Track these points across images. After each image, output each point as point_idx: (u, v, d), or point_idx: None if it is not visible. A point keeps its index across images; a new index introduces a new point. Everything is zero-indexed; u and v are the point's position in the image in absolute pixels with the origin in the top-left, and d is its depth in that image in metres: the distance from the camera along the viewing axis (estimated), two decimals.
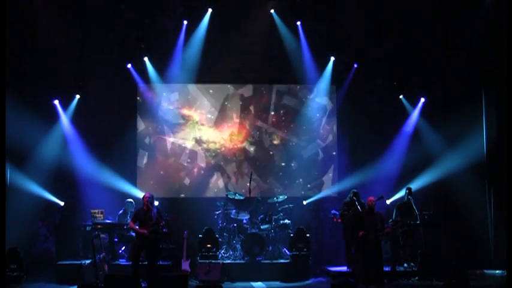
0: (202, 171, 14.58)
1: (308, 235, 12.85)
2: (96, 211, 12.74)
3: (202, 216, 13.55)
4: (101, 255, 11.47)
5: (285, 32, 14.23)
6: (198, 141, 14.63)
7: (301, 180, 14.66)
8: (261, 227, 12.94)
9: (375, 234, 10.87)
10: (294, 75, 14.48)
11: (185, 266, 12.22)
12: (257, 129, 14.73)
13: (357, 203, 11.97)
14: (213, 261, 12.20)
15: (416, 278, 12.07)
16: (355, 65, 14.43)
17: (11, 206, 12.33)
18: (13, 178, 13.11)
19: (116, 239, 12.76)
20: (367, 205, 11.25)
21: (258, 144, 14.70)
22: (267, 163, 14.69)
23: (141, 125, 14.55)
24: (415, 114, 14.43)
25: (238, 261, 12.59)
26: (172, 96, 14.69)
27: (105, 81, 14.09)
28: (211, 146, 14.64)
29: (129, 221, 12.22)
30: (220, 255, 12.60)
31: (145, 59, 14.15)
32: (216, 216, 13.31)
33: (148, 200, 11.12)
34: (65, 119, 13.86)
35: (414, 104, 14.44)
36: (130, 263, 11.57)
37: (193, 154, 14.59)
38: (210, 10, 13.95)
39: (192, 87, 14.71)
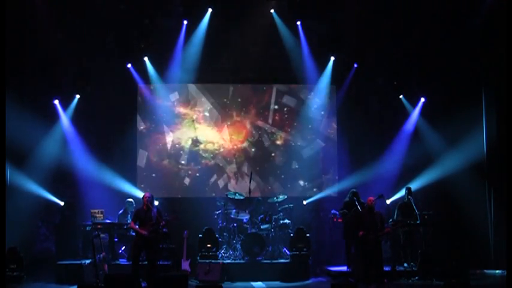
0: (202, 171, 14.58)
1: (308, 235, 12.84)
2: (96, 211, 12.73)
3: (202, 216, 13.54)
4: (101, 255, 11.47)
5: (285, 32, 14.23)
6: (198, 141, 14.63)
7: (301, 180, 14.66)
8: (261, 227, 12.94)
9: (375, 234, 10.86)
10: (294, 75, 14.48)
11: (185, 266, 12.22)
12: (257, 129, 14.73)
13: (356, 203, 11.97)
14: (213, 261, 12.20)
15: (416, 278, 12.07)
16: (355, 65, 14.44)
17: (11, 206, 12.32)
18: (13, 178, 13.11)
19: (116, 239, 12.76)
20: (367, 205, 11.25)
21: (258, 144, 14.71)
22: (267, 163, 14.69)
23: (141, 125, 14.55)
24: (415, 114, 14.44)
25: (238, 261, 12.59)
26: (172, 96, 14.69)
27: (105, 81, 14.10)
28: (211, 145, 14.64)
29: (129, 220, 12.24)
30: (220, 255, 12.60)
31: (145, 59, 14.16)
32: (216, 216, 13.31)
33: (148, 200, 11.11)
34: (65, 119, 13.87)
35: (414, 104, 14.45)
36: (130, 263, 11.57)
37: (193, 154, 14.59)
38: (210, 10, 13.96)
39: (192, 87, 14.71)
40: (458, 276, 11.33)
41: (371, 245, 10.87)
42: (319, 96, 14.80)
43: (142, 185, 14.22)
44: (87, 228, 12.67)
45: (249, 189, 13.40)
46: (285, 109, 14.82)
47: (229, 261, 12.53)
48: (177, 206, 13.90)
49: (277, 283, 12.18)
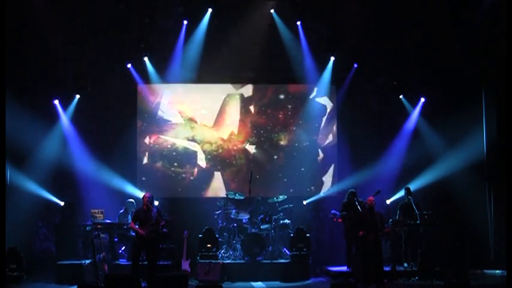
0: (202, 171, 14.58)
1: (308, 235, 12.85)
2: (96, 211, 12.73)
3: (202, 216, 13.54)
4: (101, 255, 11.47)
5: (285, 32, 14.23)
6: (198, 141, 14.63)
7: (301, 180, 14.66)
8: (261, 227, 12.93)
9: (375, 234, 10.86)
10: (294, 75, 14.48)
11: (185, 266, 12.23)
12: (257, 129, 14.73)
13: (356, 203, 11.96)
14: (213, 261, 12.19)
15: (416, 278, 12.08)
16: (355, 65, 14.43)
17: (11, 206, 12.31)
18: (13, 178, 13.12)
19: (116, 239, 12.76)
20: (367, 205, 11.24)
21: (258, 144, 14.71)
22: (267, 163, 14.69)
23: (141, 125, 14.55)
24: (415, 114, 14.43)
25: (238, 261, 12.59)
26: (172, 96, 14.69)
27: (105, 81, 14.11)
28: (211, 145, 14.64)
29: (129, 220, 12.23)
30: (220, 255, 12.60)
31: (145, 59, 14.15)
32: (216, 216, 13.31)
33: (148, 200, 11.12)
34: (65, 119, 13.87)
35: (414, 104, 14.44)
36: (130, 263, 11.57)
37: (193, 154, 14.59)
38: (210, 10, 13.95)
39: (192, 87, 14.71)
40: (458, 276, 11.33)
41: (371, 245, 10.87)
42: (319, 96, 14.80)
43: (142, 185, 14.20)
44: (87, 228, 12.65)
45: (249, 189, 13.38)
46: (285, 109, 14.81)
47: (229, 261, 12.53)
48: (177, 206, 13.90)
49: (277, 283, 12.18)
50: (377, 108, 14.65)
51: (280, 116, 14.79)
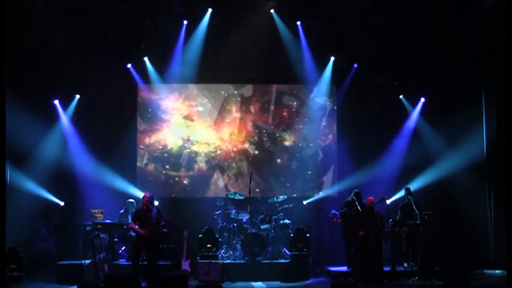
0: (202, 171, 14.58)
1: (308, 235, 12.85)
2: (96, 211, 12.72)
3: (202, 216, 13.54)
4: (101, 255, 11.47)
5: (285, 32, 14.23)
6: (198, 141, 14.62)
7: (301, 180, 14.66)
8: (261, 227, 12.94)
9: (375, 234, 10.87)
10: (294, 75, 14.47)
11: (185, 266, 12.23)
12: (257, 129, 14.73)
13: (357, 203, 11.97)
14: (213, 261, 12.20)
15: (416, 278, 12.07)
16: (355, 65, 14.44)
17: (11, 206, 12.31)
18: (13, 178, 13.12)
19: (116, 239, 12.76)
20: (367, 205, 11.25)
21: (258, 144, 14.71)
22: (267, 163, 14.69)
23: (141, 125, 14.55)
24: (415, 114, 14.44)
25: (238, 261, 12.59)
26: (172, 96, 14.69)
27: (105, 81, 14.11)
28: (211, 145, 14.64)
29: (130, 221, 12.23)
30: (220, 255, 12.60)
31: (145, 59, 14.16)
32: (216, 216, 13.31)
33: (148, 200, 11.13)
34: (65, 119, 13.87)
35: (414, 104, 14.45)
36: (130, 263, 11.58)
37: (193, 154, 14.59)
38: (210, 10, 13.95)
39: (192, 87, 14.72)
40: (458, 276, 11.33)
41: (371, 245, 10.88)
42: (319, 96, 14.80)
43: (142, 185, 14.19)
44: (87, 228, 12.65)
45: (249, 189, 13.39)
46: (285, 109, 14.82)
47: (229, 261, 12.53)
48: (177, 206, 13.90)
49: (277, 283, 12.18)
50: (377, 108, 14.66)
51: (280, 116, 14.79)
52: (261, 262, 12.56)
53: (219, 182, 14.58)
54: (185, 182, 14.54)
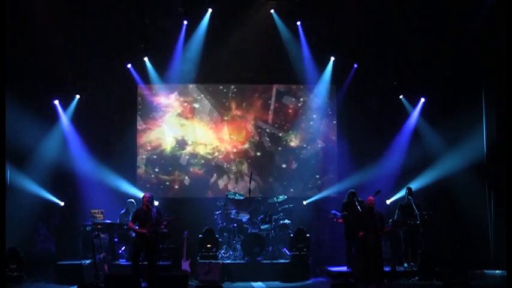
0: (202, 171, 14.58)
1: (308, 235, 12.84)
2: (96, 211, 12.74)
3: (202, 216, 13.54)
4: (101, 255, 11.46)
5: (285, 32, 14.24)
6: (198, 141, 14.62)
7: (301, 180, 14.66)
8: (261, 227, 12.93)
9: (375, 234, 10.86)
10: (294, 75, 14.48)
11: (185, 266, 12.22)
12: (257, 129, 14.73)
13: (357, 203, 11.96)
14: (213, 261, 12.19)
15: (416, 278, 12.07)
16: (355, 65, 14.44)
17: (11, 206, 12.30)
18: (13, 178, 13.11)
19: (116, 239, 12.76)
20: (367, 205, 11.23)
21: (258, 144, 14.71)
22: (267, 163, 14.69)
23: (141, 125, 14.55)
24: (415, 114, 14.44)
25: (238, 261, 12.59)
26: (172, 96, 14.69)
27: (105, 81, 14.11)
28: (211, 146, 14.63)
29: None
30: (220, 255, 12.60)
31: (146, 59, 14.16)
32: (216, 216, 13.31)
33: (148, 200, 11.12)
34: (65, 119, 13.87)
35: (414, 104, 14.45)
36: (130, 263, 11.57)
37: (193, 154, 14.59)
38: (210, 10, 13.96)
39: (192, 87, 14.72)
40: (458, 276, 11.32)
41: (371, 245, 10.87)
42: (319, 96, 14.80)
43: (142, 185, 14.21)
44: (87, 228, 12.66)
45: (249, 189, 13.39)
46: (285, 109, 14.82)
47: (229, 261, 12.53)
48: (177, 206, 13.89)
49: (277, 283, 12.18)
50: (377, 108, 14.66)
51: (280, 116, 14.79)
52: (261, 262, 12.56)
53: (219, 182, 14.58)
54: (185, 182, 14.53)
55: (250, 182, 13.47)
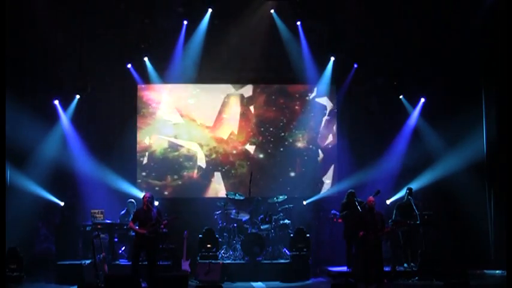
0: (202, 171, 14.58)
1: (308, 235, 12.84)
2: (96, 211, 12.73)
3: (202, 216, 13.54)
4: (101, 255, 11.46)
5: (285, 32, 14.23)
6: (198, 141, 14.62)
7: (301, 180, 14.65)
8: (261, 227, 12.93)
9: (375, 234, 10.86)
10: (294, 75, 14.47)
11: (185, 266, 12.22)
12: (257, 129, 14.73)
13: (356, 203, 11.96)
14: (213, 261, 12.18)
15: (416, 278, 12.06)
16: (355, 65, 14.44)
17: (11, 206, 12.29)
18: (13, 178, 13.11)
19: (116, 239, 12.75)
20: (367, 205, 11.24)
21: (258, 144, 14.70)
22: (267, 163, 14.69)
23: (141, 125, 14.55)
24: (415, 114, 14.43)
25: (238, 261, 12.58)
26: (172, 96, 14.68)
27: (105, 81, 14.11)
28: (211, 146, 14.63)
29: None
30: (220, 255, 12.60)
31: (146, 59, 14.16)
32: (216, 216, 13.31)
33: (148, 200, 11.11)
34: (65, 119, 13.86)
35: (414, 104, 14.44)
36: (130, 263, 11.57)
37: (193, 154, 14.58)
38: (210, 10, 13.96)
39: (192, 87, 14.71)
40: (458, 276, 11.31)
41: (371, 245, 10.87)
42: (319, 97, 14.80)
43: (142, 185, 14.21)
44: (87, 228, 12.66)
45: (249, 189, 13.39)
46: (285, 109, 14.81)
47: (229, 261, 12.53)
48: (177, 206, 13.88)
49: (277, 283, 12.17)
50: (377, 108, 14.66)
51: (280, 116, 14.78)
52: (261, 262, 12.56)
53: (219, 182, 14.57)
54: (185, 182, 14.53)
55: (250, 182, 13.47)
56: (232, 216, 13.10)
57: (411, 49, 14.20)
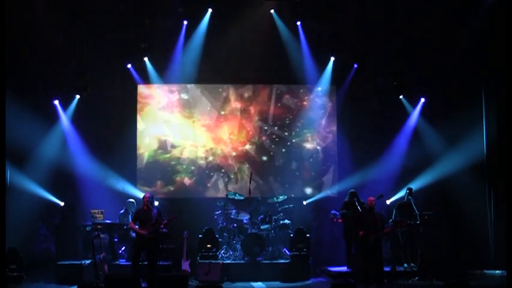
0: (202, 171, 14.57)
1: (308, 235, 12.85)
2: (96, 211, 12.73)
3: (202, 216, 13.55)
4: (101, 255, 11.47)
5: (285, 32, 14.23)
6: (198, 141, 14.62)
7: (301, 180, 14.66)
8: (261, 227, 12.93)
9: (375, 234, 10.86)
10: (294, 75, 14.47)
11: (185, 266, 12.22)
12: (257, 129, 14.73)
13: (356, 203, 11.97)
14: (213, 261, 12.19)
15: (416, 278, 12.07)
16: (355, 65, 14.44)
17: (11, 206, 12.31)
18: (13, 178, 13.11)
19: (116, 239, 12.76)
20: (367, 205, 11.25)
21: (258, 144, 14.70)
22: (267, 163, 14.69)
23: (141, 125, 14.55)
24: (415, 114, 14.43)
25: (238, 261, 12.58)
26: (172, 96, 14.68)
27: (105, 81, 14.12)
28: (211, 146, 14.63)
29: (130, 221, 12.22)
30: (220, 255, 12.60)
31: (145, 59, 14.16)
32: (216, 216, 13.31)
33: (148, 200, 11.12)
34: (65, 119, 13.86)
35: (414, 104, 14.44)
36: (130, 263, 11.57)
37: (193, 154, 14.58)
38: (210, 10, 13.96)
39: (192, 87, 14.71)
40: (458, 276, 11.33)
41: (371, 245, 10.87)
42: (319, 96, 14.81)
43: (142, 185, 14.21)
44: (87, 228, 12.65)
45: (249, 189, 13.39)
46: (285, 109, 14.81)
47: (229, 261, 12.53)
48: (177, 206, 13.89)
49: (277, 283, 12.18)
50: (377, 108, 14.66)
51: (280, 116, 14.78)
52: (261, 262, 12.56)
53: (219, 182, 14.57)
54: (185, 182, 14.53)
55: (250, 182, 13.47)
56: (232, 216, 13.10)
57: (411, 49, 14.20)
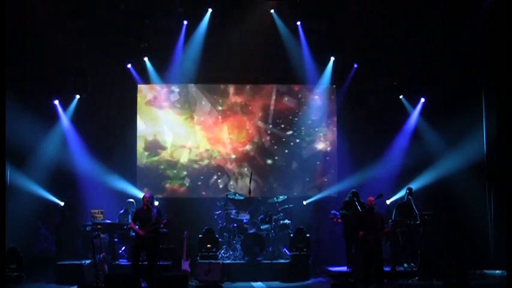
0: (202, 171, 14.57)
1: (308, 235, 12.85)
2: (96, 211, 12.74)
3: (202, 216, 13.55)
4: (101, 255, 11.47)
5: (285, 32, 14.23)
6: (198, 141, 14.62)
7: (301, 180, 14.66)
8: (261, 227, 12.93)
9: (375, 234, 10.86)
10: (294, 75, 14.47)
11: (185, 266, 12.22)
12: (257, 129, 14.73)
13: (356, 203, 11.97)
14: (213, 261, 12.19)
15: (416, 278, 12.07)
16: (355, 65, 14.44)
17: (11, 206, 12.31)
18: (13, 178, 13.11)
19: (116, 239, 12.76)
20: (367, 205, 11.25)
21: (258, 144, 14.70)
22: (267, 163, 14.69)
23: (141, 125, 14.55)
24: (415, 114, 14.44)
25: (238, 261, 12.59)
26: (172, 96, 14.69)
27: (105, 81, 14.12)
28: (211, 146, 14.63)
29: (130, 221, 12.23)
30: (220, 255, 12.60)
31: (145, 59, 14.16)
32: (216, 216, 13.31)
33: (148, 200, 11.13)
34: (65, 119, 13.86)
35: (414, 104, 14.44)
36: (130, 263, 11.58)
37: (193, 154, 14.58)
38: (210, 10, 13.96)
39: (192, 87, 14.71)
40: (458, 276, 11.33)
41: (371, 245, 10.87)
42: (319, 96, 14.81)
43: (142, 185, 14.21)
44: (87, 228, 12.66)
45: (249, 189, 13.40)
46: (285, 109, 14.81)
47: (229, 261, 12.53)
48: (177, 206, 13.88)
49: (277, 283, 12.18)
50: (377, 108, 14.66)
51: (280, 116, 14.78)
52: (261, 262, 12.56)
53: (219, 182, 14.58)
54: (185, 182, 14.53)
55: (250, 182, 13.47)
56: (232, 216, 13.10)
57: (411, 49, 14.20)
